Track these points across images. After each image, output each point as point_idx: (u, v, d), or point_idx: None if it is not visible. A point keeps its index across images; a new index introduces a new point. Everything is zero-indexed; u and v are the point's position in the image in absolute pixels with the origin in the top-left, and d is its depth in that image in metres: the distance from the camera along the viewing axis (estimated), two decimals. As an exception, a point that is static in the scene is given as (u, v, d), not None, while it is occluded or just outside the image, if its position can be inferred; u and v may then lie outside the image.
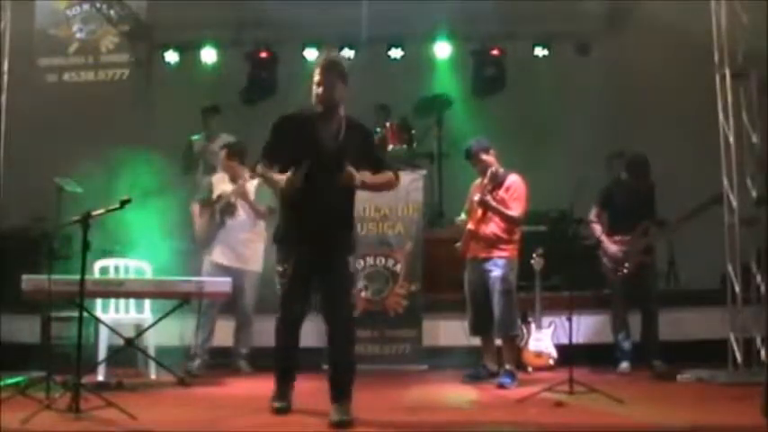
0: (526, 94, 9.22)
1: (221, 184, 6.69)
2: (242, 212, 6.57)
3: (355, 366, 4.65)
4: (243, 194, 6.49)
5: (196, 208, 6.81)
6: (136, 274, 6.28)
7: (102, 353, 5.99)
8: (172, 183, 7.13)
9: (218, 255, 6.53)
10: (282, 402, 4.77)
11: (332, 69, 4.47)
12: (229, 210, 6.53)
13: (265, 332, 6.71)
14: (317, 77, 4.46)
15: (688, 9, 6.52)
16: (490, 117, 8.84)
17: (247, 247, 6.58)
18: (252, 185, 6.49)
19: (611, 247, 6.49)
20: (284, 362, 4.86)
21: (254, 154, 6.82)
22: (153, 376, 6.21)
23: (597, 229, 6.58)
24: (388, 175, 4.69)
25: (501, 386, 5.72)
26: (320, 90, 4.44)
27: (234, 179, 6.59)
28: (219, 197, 6.58)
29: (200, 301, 6.16)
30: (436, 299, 7.03)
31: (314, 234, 4.50)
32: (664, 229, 6.57)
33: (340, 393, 4.52)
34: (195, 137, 8.09)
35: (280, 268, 4.69)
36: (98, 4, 8.53)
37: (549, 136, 8.85)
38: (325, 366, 4.75)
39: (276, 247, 4.75)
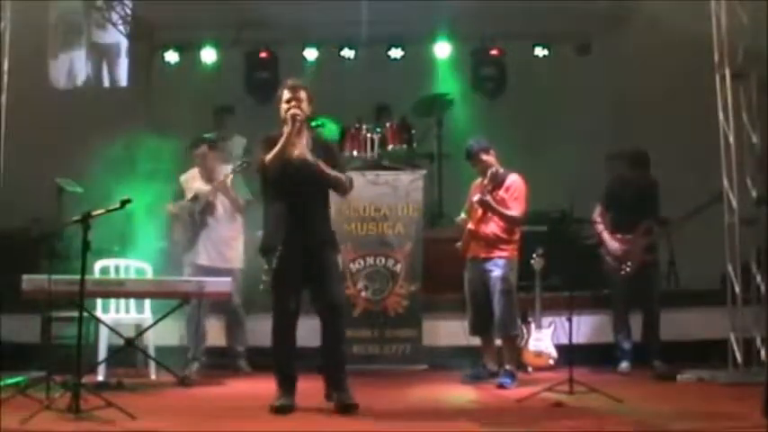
0: (526, 94, 9.23)
1: (194, 183, 6.60)
2: (221, 209, 6.52)
3: (345, 363, 4.94)
4: (225, 189, 6.43)
5: (171, 209, 6.66)
6: (136, 274, 6.28)
7: (102, 353, 5.99)
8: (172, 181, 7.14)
9: (202, 256, 6.45)
10: (282, 400, 4.79)
11: (299, 88, 4.90)
12: (209, 208, 6.48)
13: (260, 331, 6.74)
14: (287, 96, 4.87)
15: (688, 9, 6.52)
16: (490, 117, 8.84)
17: (230, 246, 6.55)
18: (229, 179, 6.44)
19: (613, 244, 6.49)
20: (284, 362, 4.89)
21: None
22: (153, 376, 6.21)
23: (600, 227, 6.57)
24: (343, 176, 5.00)
25: (501, 386, 5.72)
26: (292, 104, 4.84)
27: (211, 175, 6.52)
28: (196, 197, 6.50)
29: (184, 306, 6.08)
30: (436, 299, 7.02)
31: (297, 236, 4.75)
32: (666, 228, 6.56)
33: (338, 384, 4.83)
34: (208, 135, 8.10)
35: (266, 267, 4.81)
36: (98, 4, 8.54)
37: (549, 136, 8.85)
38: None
39: (263, 254, 4.90)
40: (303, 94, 4.88)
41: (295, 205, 4.78)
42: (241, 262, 6.59)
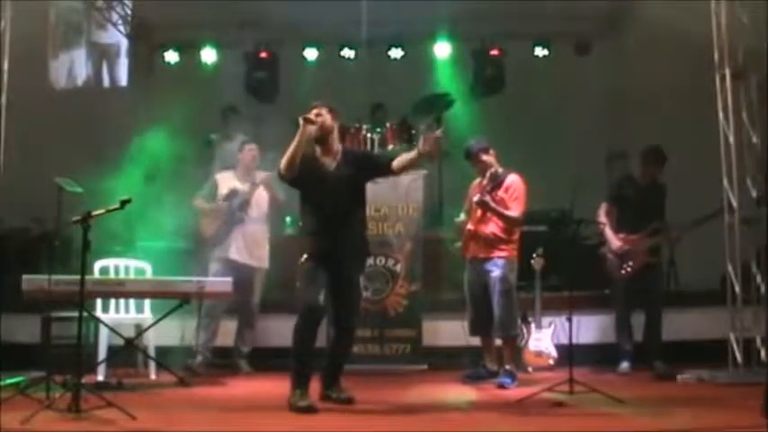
0: (526, 94, 9.22)
1: (228, 182, 6.70)
2: (255, 208, 6.63)
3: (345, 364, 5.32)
4: (268, 184, 6.56)
5: (200, 204, 6.78)
6: (136, 274, 6.28)
7: (102, 353, 5.99)
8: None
9: (234, 251, 6.55)
10: (309, 400, 4.82)
11: (321, 106, 5.07)
12: (246, 205, 6.58)
13: (266, 332, 6.78)
14: (315, 116, 5.01)
15: (688, 9, 6.52)
16: (490, 117, 8.84)
17: (260, 245, 6.66)
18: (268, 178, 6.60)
19: (615, 242, 6.48)
20: (306, 361, 4.94)
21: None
22: (153, 376, 6.22)
23: (604, 226, 6.55)
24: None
25: (501, 386, 5.72)
26: (318, 120, 5.02)
27: (249, 174, 6.64)
28: (234, 192, 6.60)
29: (201, 301, 6.17)
30: (436, 299, 7.03)
31: (329, 246, 4.98)
32: (671, 233, 6.56)
33: (336, 382, 5.14)
34: (213, 135, 8.14)
35: (302, 260, 5.02)
36: (98, 4, 8.53)
37: (549, 136, 8.85)
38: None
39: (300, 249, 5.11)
40: (324, 110, 5.08)
41: (327, 217, 4.99)
42: (268, 262, 6.70)
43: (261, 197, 6.68)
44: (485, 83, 9.61)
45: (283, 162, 4.93)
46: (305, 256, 4.97)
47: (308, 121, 4.93)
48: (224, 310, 6.53)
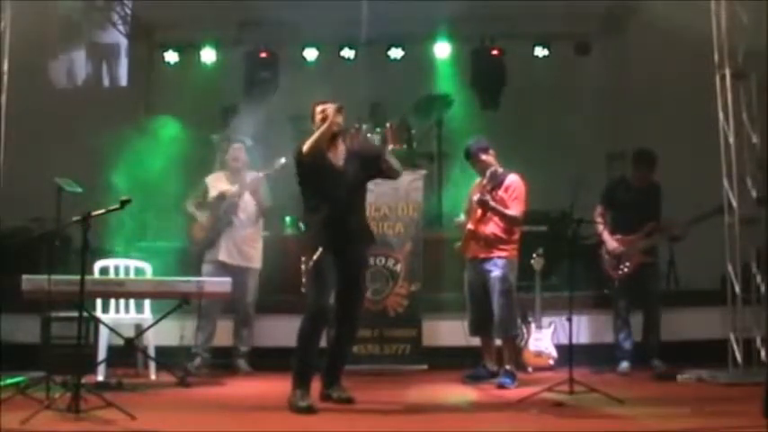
0: (526, 93, 9.22)
1: (218, 184, 6.70)
2: (244, 210, 6.61)
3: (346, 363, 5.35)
4: (255, 188, 6.56)
5: (189, 208, 6.80)
6: (136, 274, 6.28)
7: (102, 353, 5.99)
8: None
9: (223, 253, 6.54)
10: (310, 400, 4.82)
11: (330, 102, 5.13)
12: (233, 208, 6.57)
13: (265, 332, 6.78)
14: (320, 108, 5.13)
15: (688, 9, 6.52)
16: (490, 117, 8.82)
17: (251, 245, 6.64)
18: (261, 178, 6.60)
19: (611, 243, 6.49)
20: (310, 361, 4.95)
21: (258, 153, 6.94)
22: (153, 376, 6.22)
23: (600, 227, 6.57)
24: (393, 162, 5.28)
25: (501, 386, 5.72)
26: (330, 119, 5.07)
27: (235, 176, 6.63)
28: (222, 195, 6.60)
29: (200, 301, 6.17)
30: (436, 299, 7.02)
31: (336, 241, 5.01)
32: (666, 233, 6.56)
33: (337, 381, 5.14)
34: (214, 136, 8.14)
35: (304, 268, 5.09)
36: (98, 4, 8.54)
37: (549, 136, 8.85)
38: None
39: (305, 246, 5.17)
40: (337, 109, 5.14)
41: (335, 210, 5.03)
42: (260, 262, 6.69)
43: (249, 198, 6.65)
44: (484, 83, 9.60)
45: (308, 144, 4.97)
46: (319, 250, 4.95)
47: (339, 110, 5.04)
48: (220, 311, 6.52)
